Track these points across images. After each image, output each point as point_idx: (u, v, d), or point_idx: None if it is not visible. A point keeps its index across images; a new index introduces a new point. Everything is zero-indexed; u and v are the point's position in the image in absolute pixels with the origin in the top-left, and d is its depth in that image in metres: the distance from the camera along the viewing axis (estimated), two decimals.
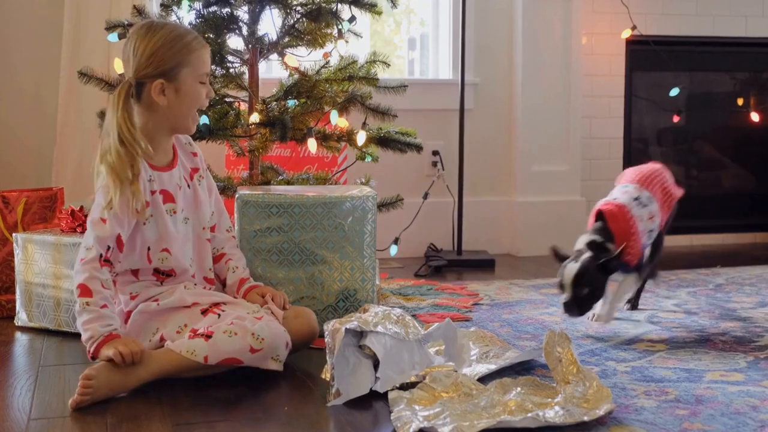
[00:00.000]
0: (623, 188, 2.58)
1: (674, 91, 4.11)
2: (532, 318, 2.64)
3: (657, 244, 2.64)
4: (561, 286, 2.34)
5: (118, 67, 2.80)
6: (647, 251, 2.58)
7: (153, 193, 2.14)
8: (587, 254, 2.35)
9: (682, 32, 4.26)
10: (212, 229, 2.32)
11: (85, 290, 1.99)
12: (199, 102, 2.16)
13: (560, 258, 2.41)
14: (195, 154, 2.30)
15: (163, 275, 2.16)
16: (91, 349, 1.96)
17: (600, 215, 2.46)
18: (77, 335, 2.46)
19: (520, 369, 2.13)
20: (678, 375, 2.10)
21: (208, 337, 1.99)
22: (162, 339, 2.08)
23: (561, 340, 1.93)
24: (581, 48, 4.06)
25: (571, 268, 2.33)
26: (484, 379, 2.01)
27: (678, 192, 2.69)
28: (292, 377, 2.06)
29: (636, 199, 2.52)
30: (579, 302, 2.33)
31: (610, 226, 2.43)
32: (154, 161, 2.16)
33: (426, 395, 1.85)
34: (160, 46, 2.09)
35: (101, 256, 2.02)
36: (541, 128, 4.03)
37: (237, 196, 2.45)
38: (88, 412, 1.86)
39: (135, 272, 2.14)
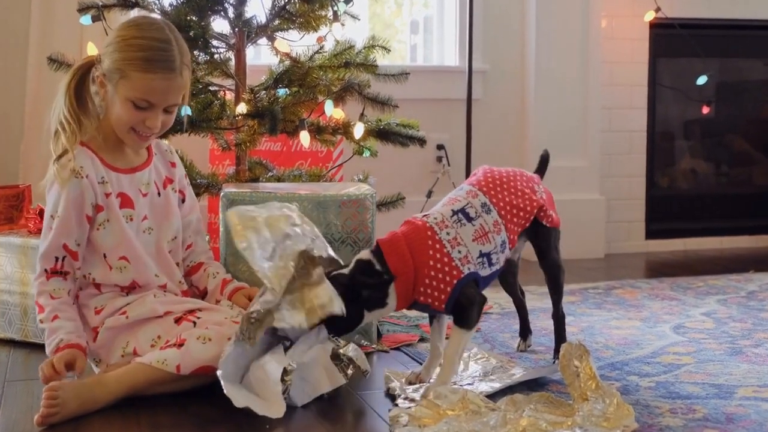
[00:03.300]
0: (453, 193, 2.21)
1: (702, 80, 4.11)
2: (546, 328, 2.65)
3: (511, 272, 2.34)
4: None
5: (92, 52, 2.79)
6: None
7: (108, 195, 2.13)
8: (341, 271, 2.03)
9: (711, 14, 4.26)
10: (189, 247, 2.33)
11: (39, 308, 2.09)
12: (126, 122, 2.11)
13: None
14: (173, 165, 2.31)
15: (125, 288, 2.16)
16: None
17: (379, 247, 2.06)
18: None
19: (533, 384, 2.14)
20: (707, 391, 2.11)
21: (180, 345, 1.99)
22: (135, 353, 2.08)
23: (579, 352, 1.93)
24: (600, 32, 4.06)
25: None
26: (493, 396, 2.01)
27: (539, 200, 2.23)
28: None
29: (458, 212, 2.11)
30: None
31: (387, 260, 2.03)
32: (112, 161, 2.16)
33: (430, 413, 1.86)
34: (116, 42, 2.11)
35: (46, 271, 2.10)
36: (556, 120, 4.03)
37: (222, 194, 2.45)
38: (59, 429, 1.86)
39: (97, 285, 2.15)
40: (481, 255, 2.08)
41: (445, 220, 2.09)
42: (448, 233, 2.06)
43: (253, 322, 1.92)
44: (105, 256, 2.14)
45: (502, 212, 2.16)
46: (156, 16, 2.80)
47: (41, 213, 2.59)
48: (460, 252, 2.05)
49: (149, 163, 2.23)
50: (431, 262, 2.02)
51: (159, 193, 2.23)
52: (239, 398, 1.87)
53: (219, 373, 1.89)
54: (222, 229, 2.44)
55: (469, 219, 2.10)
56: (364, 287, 2.02)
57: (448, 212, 2.11)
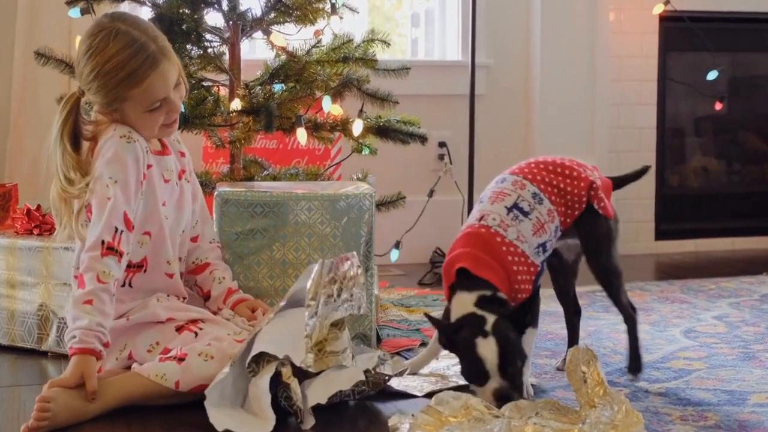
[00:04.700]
0: (496, 186, 2.18)
1: (713, 75, 4.12)
2: (552, 333, 2.65)
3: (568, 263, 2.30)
4: (482, 375, 1.94)
5: None
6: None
7: (149, 167, 2.15)
8: (492, 319, 1.96)
9: (722, 7, 4.26)
10: (195, 239, 2.33)
11: (79, 282, 2.00)
12: (154, 126, 2.15)
13: (443, 329, 2.03)
14: (183, 155, 2.33)
15: (132, 268, 2.15)
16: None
17: (461, 272, 2.04)
18: (34, 352, 2.47)
19: (538, 391, 2.14)
20: (719, 397, 2.11)
21: (180, 360, 1.99)
22: (130, 357, 2.09)
23: (586, 357, 1.92)
24: (608, 25, 4.06)
25: (489, 348, 1.93)
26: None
27: (588, 177, 2.19)
28: (273, 401, 2.06)
29: (512, 208, 2.10)
30: (517, 384, 1.96)
31: (485, 277, 2.02)
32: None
33: (431, 420, 1.86)
34: (94, 77, 2.09)
35: (103, 243, 2.01)
36: (562, 116, 4.03)
37: (216, 193, 2.45)
38: None
39: None
40: (538, 246, 2.11)
41: (504, 220, 2.08)
42: (512, 232, 2.07)
43: (267, 362, 1.94)
44: (133, 227, 2.12)
45: (552, 197, 2.14)
46: (146, 9, 2.81)
47: (29, 213, 2.59)
48: (528, 247, 2.08)
49: (170, 152, 2.26)
50: (515, 267, 2.04)
51: (176, 183, 2.25)
52: (220, 422, 1.86)
53: (206, 402, 1.88)
54: (216, 229, 2.44)
55: (525, 214, 2.10)
56: (509, 311, 1.98)
57: (503, 210, 2.10)
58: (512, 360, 1.94)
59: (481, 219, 2.10)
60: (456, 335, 1.98)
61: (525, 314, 1.98)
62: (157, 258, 2.18)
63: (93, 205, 2.07)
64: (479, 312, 1.97)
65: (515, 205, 2.10)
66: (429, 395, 2.08)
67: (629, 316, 2.25)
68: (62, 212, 2.12)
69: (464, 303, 2.00)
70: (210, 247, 2.36)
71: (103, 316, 1.98)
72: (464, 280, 2.03)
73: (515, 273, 2.05)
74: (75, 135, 2.14)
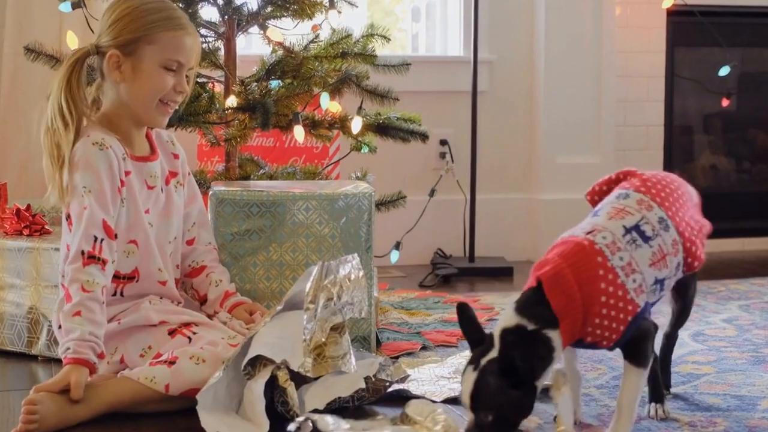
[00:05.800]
0: (618, 201, 1.93)
1: (724, 70, 4.11)
2: None
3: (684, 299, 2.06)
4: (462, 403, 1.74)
5: (72, 41, 2.79)
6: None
7: (128, 174, 2.15)
8: (491, 356, 1.70)
9: (733, 1, 4.26)
10: (190, 242, 2.33)
11: (67, 297, 2.01)
12: (161, 90, 2.15)
13: (472, 337, 1.77)
14: (176, 156, 2.31)
15: (123, 279, 2.15)
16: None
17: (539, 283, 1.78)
18: (23, 356, 2.47)
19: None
20: (728, 403, 2.11)
21: (171, 363, 1.99)
22: (122, 361, 2.09)
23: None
24: (614, 20, 4.06)
25: (469, 379, 1.71)
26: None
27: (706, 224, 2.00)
28: (270, 406, 2.06)
29: (631, 230, 1.83)
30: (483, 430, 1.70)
31: (550, 301, 1.73)
32: (125, 146, 2.18)
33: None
34: (127, 14, 2.13)
35: (83, 253, 2.02)
36: (567, 114, 4.03)
37: (211, 193, 2.45)
38: None
39: None
40: (656, 282, 1.82)
41: (616, 242, 1.80)
42: (621, 258, 1.78)
43: (263, 365, 1.93)
44: (115, 237, 2.12)
45: (680, 228, 1.88)
46: None
47: (18, 213, 2.59)
48: (635, 281, 1.78)
49: (158, 156, 2.25)
50: (603, 298, 1.74)
51: (162, 189, 2.24)
52: (212, 426, 1.86)
53: (197, 406, 1.87)
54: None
55: (646, 239, 1.82)
56: (528, 362, 1.69)
57: (620, 230, 1.82)
58: (483, 407, 1.69)
59: (589, 233, 1.83)
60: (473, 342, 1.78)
61: (522, 363, 1.68)
62: (147, 267, 2.18)
63: (72, 217, 2.08)
64: (497, 342, 1.72)
65: (636, 227, 1.83)
66: (447, 401, 2.09)
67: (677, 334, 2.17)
68: (52, 173, 2.11)
69: (501, 322, 1.76)
70: (206, 249, 2.35)
71: (94, 325, 1.98)
72: (532, 294, 1.77)
73: (600, 305, 1.75)
74: (76, 90, 2.14)
